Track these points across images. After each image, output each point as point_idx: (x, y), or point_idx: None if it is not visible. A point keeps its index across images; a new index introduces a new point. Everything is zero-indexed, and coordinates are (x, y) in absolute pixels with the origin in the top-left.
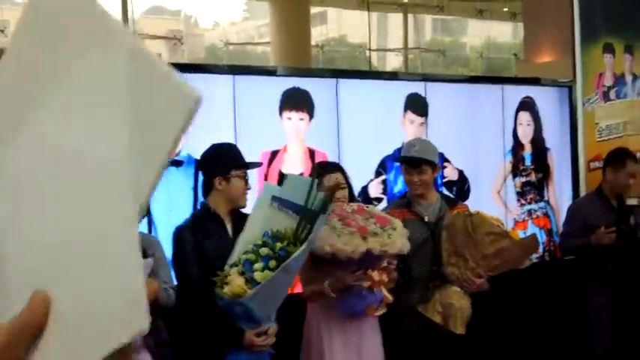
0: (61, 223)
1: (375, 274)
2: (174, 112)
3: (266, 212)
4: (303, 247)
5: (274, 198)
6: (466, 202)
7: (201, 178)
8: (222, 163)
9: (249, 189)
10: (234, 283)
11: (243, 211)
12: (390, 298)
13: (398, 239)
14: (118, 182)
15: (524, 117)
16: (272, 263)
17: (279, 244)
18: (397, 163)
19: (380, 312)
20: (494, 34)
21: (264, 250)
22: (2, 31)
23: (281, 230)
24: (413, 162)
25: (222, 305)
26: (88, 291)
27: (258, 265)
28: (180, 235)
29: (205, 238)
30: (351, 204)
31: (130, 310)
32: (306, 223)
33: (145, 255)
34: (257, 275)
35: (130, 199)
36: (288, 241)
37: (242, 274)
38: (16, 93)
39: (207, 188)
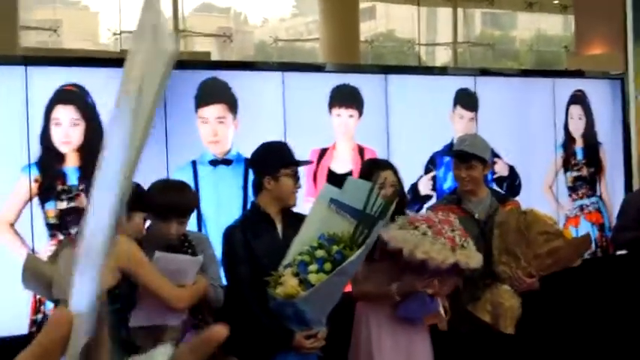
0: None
1: (437, 283)
2: (158, 68)
3: (323, 214)
4: (360, 251)
5: (332, 200)
6: (517, 198)
7: (251, 177)
8: (270, 162)
9: (298, 187)
10: (288, 283)
11: (295, 210)
12: (444, 316)
13: (477, 253)
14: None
15: (576, 111)
16: (327, 266)
17: (335, 247)
18: (447, 159)
19: (433, 322)
20: (544, 26)
21: (319, 253)
22: (55, 30)
23: (337, 233)
24: (462, 157)
25: (274, 306)
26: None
27: (312, 267)
28: (230, 234)
29: (255, 237)
30: (437, 213)
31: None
32: (363, 227)
33: (194, 252)
34: (311, 277)
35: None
36: (345, 244)
37: (296, 275)
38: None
39: (257, 187)
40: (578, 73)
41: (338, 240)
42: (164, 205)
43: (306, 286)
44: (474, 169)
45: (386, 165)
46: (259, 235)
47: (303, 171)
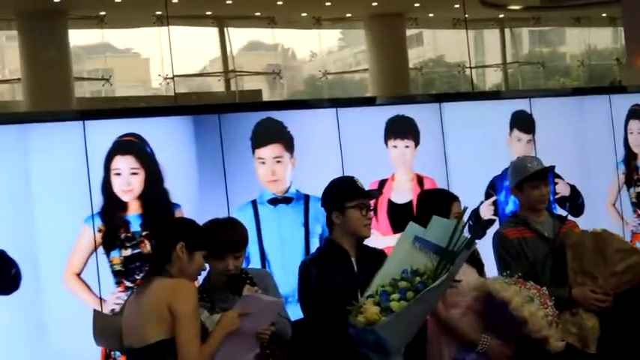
0: None
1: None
2: None
3: (407, 251)
4: (443, 278)
5: (417, 238)
6: (578, 218)
7: (312, 213)
8: (335, 197)
9: (369, 219)
10: (369, 311)
11: (373, 245)
12: None
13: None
14: None
15: (635, 125)
16: (409, 294)
17: (417, 279)
18: (507, 183)
19: None
20: (593, 40)
21: (402, 284)
22: (107, 79)
23: (420, 268)
24: (543, 174)
25: (354, 333)
26: None
27: (395, 296)
28: (305, 268)
29: (330, 270)
30: (544, 288)
31: None
32: (446, 262)
33: (255, 286)
34: (393, 305)
35: None
36: (428, 276)
37: (377, 304)
38: None
39: (329, 224)
40: (631, 88)
41: (421, 273)
42: (216, 242)
43: (387, 314)
44: (548, 185)
45: (455, 196)
46: (334, 268)
47: None
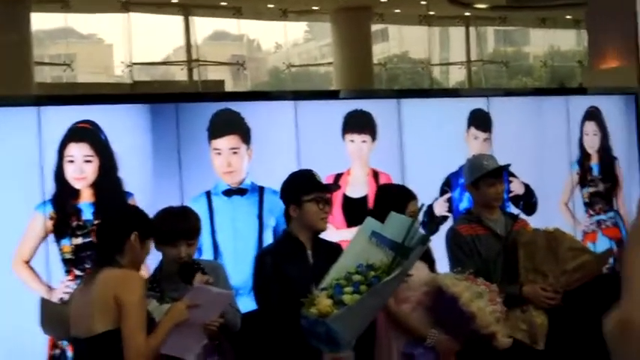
0: None
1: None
2: None
3: (364, 246)
4: (396, 273)
5: (374, 233)
6: (531, 217)
7: (266, 205)
8: (292, 190)
9: (327, 212)
10: (322, 303)
11: (327, 238)
12: None
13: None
14: None
15: (590, 127)
16: (363, 288)
17: (372, 273)
18: (462, 180)
19: None
20: (557, 42)
21: (356, 277)
22: (69, 65)
23: (376, 263)
24: (498, 172)
25: (305, 324)
26: None
27: (348, 289)
28: (261, 258)
29: (285, 262)
30: (493, 285)
31: None
32: (401, 258)
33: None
34: (346, 297)
35: None
36: (382, 271)
37: (331, 297)
38: None
39: (287, 216)
40: (590, 90)
41: (376, 268)
42: (170, 230)
43: (339, 307)
44: (503, 183)
45: (413, 194)
46: (289, 260)
47: None
